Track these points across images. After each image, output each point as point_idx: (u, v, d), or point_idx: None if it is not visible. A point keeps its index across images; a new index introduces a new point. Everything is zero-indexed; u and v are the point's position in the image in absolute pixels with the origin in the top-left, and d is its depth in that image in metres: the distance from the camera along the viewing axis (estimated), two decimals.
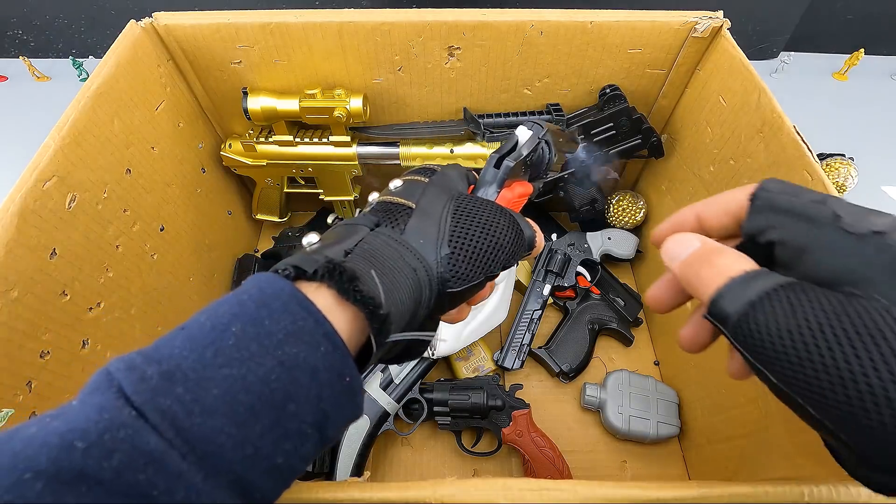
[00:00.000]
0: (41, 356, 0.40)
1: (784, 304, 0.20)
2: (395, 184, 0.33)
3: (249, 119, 0.62)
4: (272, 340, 0.21)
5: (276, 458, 0.20)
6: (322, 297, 0.23)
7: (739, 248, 0.24)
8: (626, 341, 0.71)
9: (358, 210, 0.50)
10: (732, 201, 0.26)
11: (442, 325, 0.58)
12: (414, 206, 0.30)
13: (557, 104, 0.65)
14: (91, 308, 0.46)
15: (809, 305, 0.19)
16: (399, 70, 0.61)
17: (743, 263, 0.22)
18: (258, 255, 0.79)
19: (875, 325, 0.18)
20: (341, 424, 0.24)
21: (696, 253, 0.24)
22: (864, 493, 0.28)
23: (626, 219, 0.76)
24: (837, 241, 0.21)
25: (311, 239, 0.28)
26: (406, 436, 0.62)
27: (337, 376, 0.22)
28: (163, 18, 0.55)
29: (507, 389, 0.63)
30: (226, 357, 0.20)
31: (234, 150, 0.69)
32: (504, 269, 0.30)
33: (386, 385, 0.61)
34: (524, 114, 0.65)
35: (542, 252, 0.71)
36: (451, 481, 0.29)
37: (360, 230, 0.28)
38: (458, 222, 0.29)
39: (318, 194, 0.74)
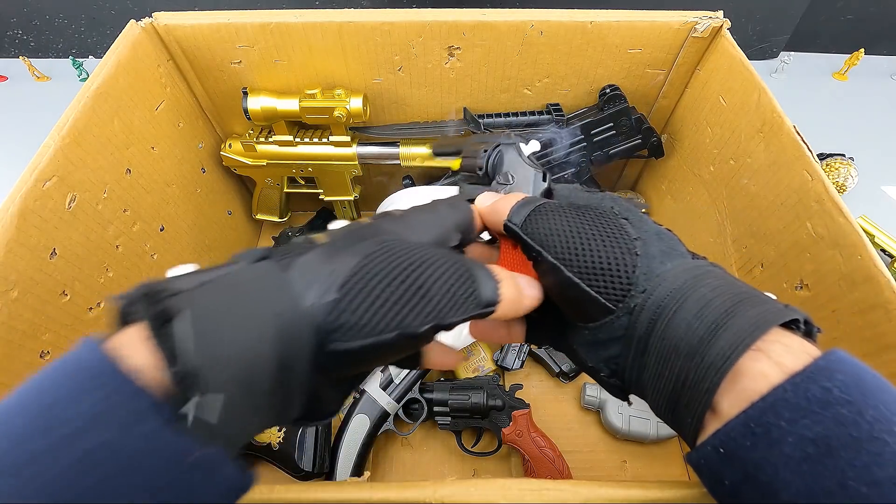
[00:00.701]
0: (41, 356, 0.40)
1: (553, 208, 0.28)
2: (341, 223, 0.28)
3: (249, 119, 0.62)
4: (67, 430, 0.16)
5: None
6: (147, 350, 0.18)
7: None
8: None
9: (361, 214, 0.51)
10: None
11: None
12: (324, 242, 0.24)
13: (557, 104, 0.65)
14: (91, 308, 0.46)
15: (568, 210, 0.28)
16: (399, 70, 0.61)
17: (520, 196, 0.30)
18: None
19: (606, 214, 0.28)
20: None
21: (495, 199, 0.31)
22: None
23: None
24: (580, 192, 0.31)
25: (184, 268, 0.23)
26: (406, 436, 0.62)
27: (170, 457, 0.17)
28: (163, 18, 0.55)
29: (507, 389, 0.63)
30: None
31: (234, 150, 0.69)
32: (437, 325, 0.23)
33: (386, 385, 0.61)
34: (524, 114, 0.65)
35: None
36: (451, 481, 0.29)
37: (237, 261, 0.23)
38: (366, 263, 0.22)
39: (318, 194, 0.74)
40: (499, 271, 0.27)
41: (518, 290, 0.27)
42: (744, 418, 0.20)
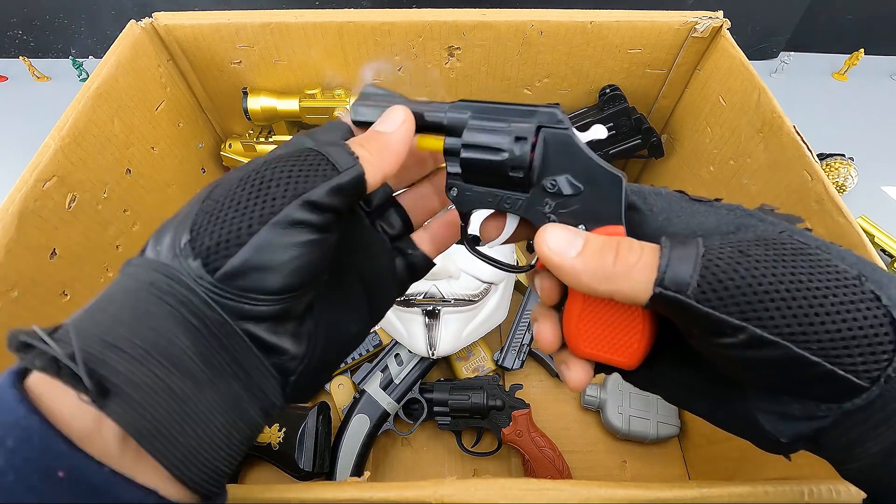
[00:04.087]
0: None
1: (732, 253, 0.20)
2: None
3: (249, 119, 0.62)
4: None
5: None
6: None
7: None
8: None
9: None
10: None
11: (442, 322, 0.58)
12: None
13: (557, 104, 0.65)
14: None
15: (753, 249, 0.20)
16: (399, 70, 0.61)
17: (636, 243, 0.22)
18: None
19: (798, 248, 0.20)
20: None
21: (593, 244, 0.22)
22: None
23: None
24: (693, 207, 0.23)
25: None
26: (406, 436, 0.62)
27: (38, 476, 0.16)
28: (163, 18, 0.55)
29: (507, 389, 0.63)
30: None
31: (234, 150, 0.69)
32: (305, 201, 0.21)
33: (386, 385, 0.61)
34: None
35: None
36: (451, 481, 0.29)
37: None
38: (209, 195, 0.22)
39: None
40: (350, 142, 0.24)
41: (370, 145, 0.24)
42: None
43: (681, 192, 0.24)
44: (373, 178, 0.24)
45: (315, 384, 0.25)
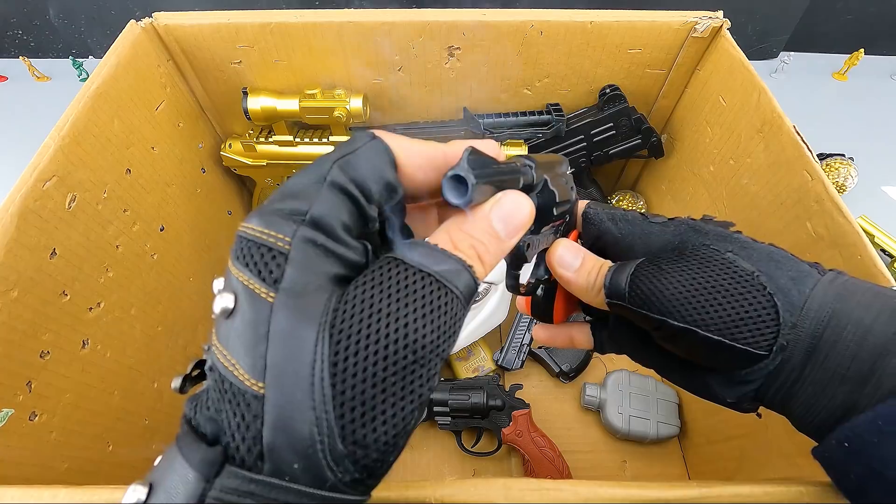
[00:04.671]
0: (41, 356, 0.40)
1: (652, 270, 0.27)
2: None
3: (249, 119, 0.62)
4: None
5: None
6: None
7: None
8: None
9: None
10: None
11: None
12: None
13: (557, 104, 0.65)
14: (91, 308, 0.46)
15: (668, 264, 0.26)
16: (399, 70, 0.61)
17: (596, 262, 0.29)
18: None
19: (711, 255, 0.26)
20: None
21: (586, 265, 0.29)
22: None
23: None
24: (650, 228, 0.29)
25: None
26: None
27: None
28: (163, 18, 0.55)
29: (507, 389, 0.63)
30: None
31: (234, 150, 0.69)
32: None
33: None
34: (524, 114, 0.65)
35: None
36: (451, 481, 0.29)
37: None
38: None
39: None
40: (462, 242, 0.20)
41: (487, 258, 0.21)
42: (872, 416, 0.22)
43: (642, 214, 0.31)
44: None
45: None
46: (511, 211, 0.21)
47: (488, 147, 0.23)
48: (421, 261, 0.19)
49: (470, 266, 0.19)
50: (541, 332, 0.35)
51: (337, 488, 0.17)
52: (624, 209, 0.31)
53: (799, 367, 0.24)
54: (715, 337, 0.24)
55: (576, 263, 0.29)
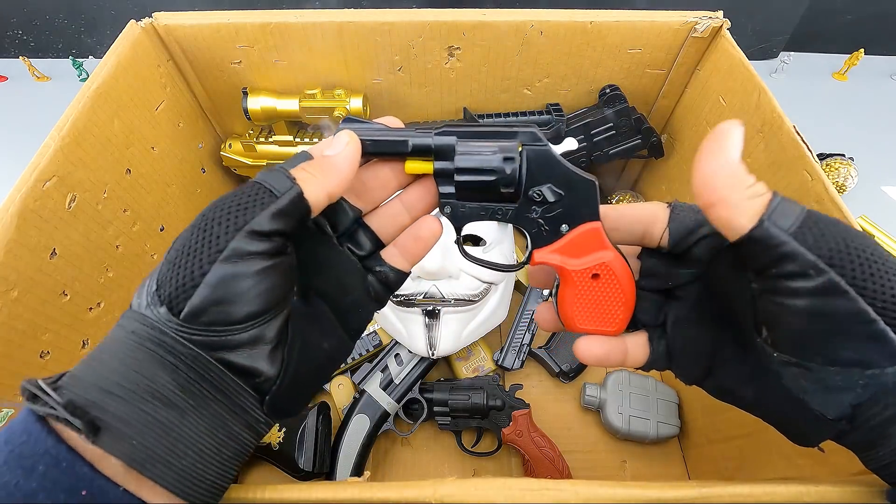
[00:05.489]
0: (41, 356, 0.40)
1: (829, 219, 0.22)
2: None
3: (249, 119, 0.62)
4: None
5: None
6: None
7: (647, 252, 0.29)
8: None
9: None
10: (645, 210, 0.29)
11: (442, 322, 0.58)
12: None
13: (557, 104, 0.65)
14: (91, 308, 0.46)
15: (842, 224, 0.22)
16: (399, 70, 0.61)
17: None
18: None
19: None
20: None
21: (740, 165, 0.23)
22: (865, 492, 0.28)
23: None
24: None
25: None
26: (406, 436, 0.62)
27: (66, 494, 0.20)
28: (163, 18, 0.55)
29: (507, 389, 0.63)
30: None
31: (234, 150, 0.69)
32: (250, 231, 0.23)
33: (386, 385, 0.61)
34: (524, 114, 0.65)
35: None
36: (451, 481, 0.29)
37: None
38: (175, 240, 0.24)
39: None
40: (293, 168, 0.25)
41: (312, 166, 0.26)
42: None
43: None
44: (315, 197, 0.25)
45: (296, 402, 0.27)
46: (331, 140, 0.27)
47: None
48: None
49: (290, 175, 0.25)
50: (595, 347, 0.29)
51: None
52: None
53: None
54: (873, 315, 0.21)
55: (735, 153, 0.23)
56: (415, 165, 0.29)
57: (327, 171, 0.26)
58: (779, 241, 0.21)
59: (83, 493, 0.20)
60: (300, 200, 0.24)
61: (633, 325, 0.30)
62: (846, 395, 0.22)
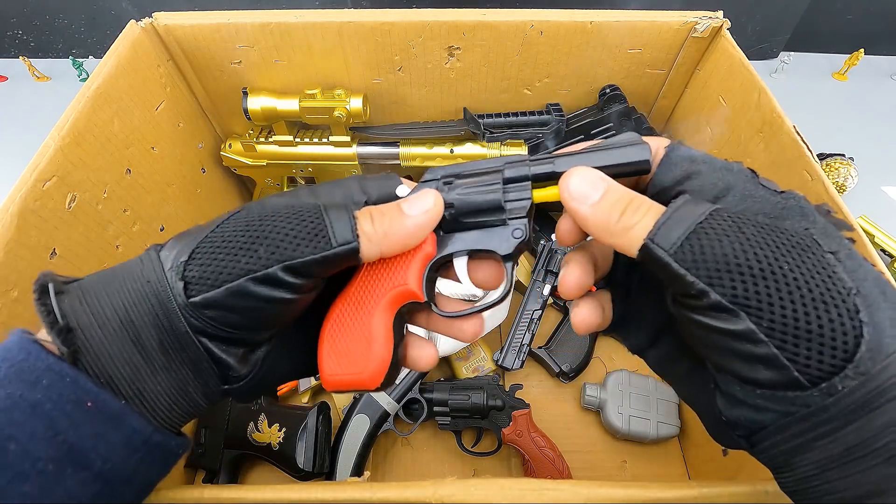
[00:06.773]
0: None
1: (728, 225, 0.21)
2: None
3: (249, 119, 0.62)
4: None
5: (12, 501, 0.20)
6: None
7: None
8: None
9: None
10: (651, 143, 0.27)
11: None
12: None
13: (557, 104, 0.65)
14: None
15: (751, 229, 0.21)
16: (399, 70, 0.61)
17: (647, 202, 0.23)
18: None
19: (809, 245, 0.21)
20: (119, 451, 0.22)
21: (608, 198, 0.23)
22: None
23: None
24: (756, 190, 0.24)
25: None
26: (406, 436, 0.62)
27: (72, 405, 0.21)
28: (163, 18, 0.55)
29: (507, 389, 0.63)
30: None
31: (234, 150, 0.69)
32: (287, 266, 0.23)
33: None
34: (524, 114, 0.65)
35: (541, 252, 0.71)
36: (451, 481, 0.29)
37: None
38: (220, 225, 0.25)
39: None
40: (362, 212, 0.25)
41: (382, 222, 0.25)
42: None
43: (752, 171, 0.25)
44: (369, 256, 0.25)
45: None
46: (416, 197, 0.26)
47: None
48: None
49: (355, 227, 0.24)
50: (585, 313, 0.28)
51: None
52: (727, 159, 0.25)
53: (837, 427, 0.19)
54: (761, 336, 0.19)
55: (594, 195, 0.23)
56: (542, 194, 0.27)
57: (394, 233, 0.25)
58: (663, 263, 0.21)
59: (88, 404, 0.22)
60: (353, 256, 0.24)
61: (606, 282, 0.29)
62: (746, 411, 0.21)
